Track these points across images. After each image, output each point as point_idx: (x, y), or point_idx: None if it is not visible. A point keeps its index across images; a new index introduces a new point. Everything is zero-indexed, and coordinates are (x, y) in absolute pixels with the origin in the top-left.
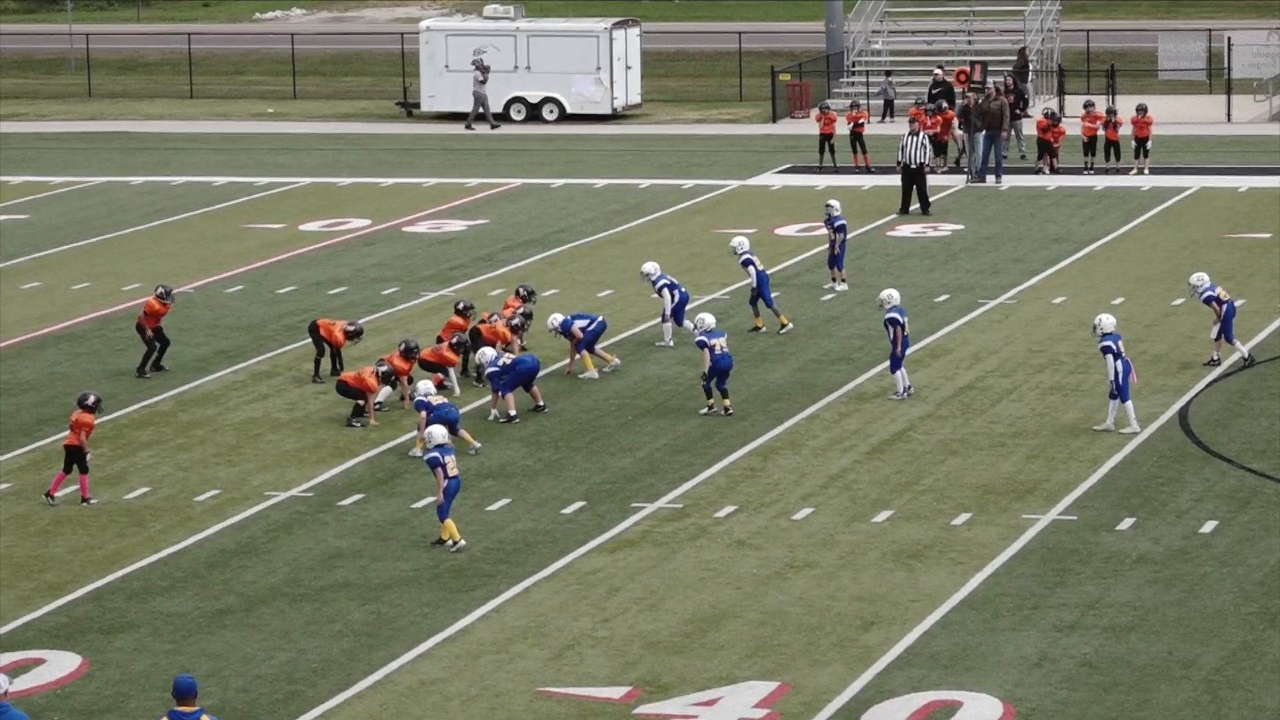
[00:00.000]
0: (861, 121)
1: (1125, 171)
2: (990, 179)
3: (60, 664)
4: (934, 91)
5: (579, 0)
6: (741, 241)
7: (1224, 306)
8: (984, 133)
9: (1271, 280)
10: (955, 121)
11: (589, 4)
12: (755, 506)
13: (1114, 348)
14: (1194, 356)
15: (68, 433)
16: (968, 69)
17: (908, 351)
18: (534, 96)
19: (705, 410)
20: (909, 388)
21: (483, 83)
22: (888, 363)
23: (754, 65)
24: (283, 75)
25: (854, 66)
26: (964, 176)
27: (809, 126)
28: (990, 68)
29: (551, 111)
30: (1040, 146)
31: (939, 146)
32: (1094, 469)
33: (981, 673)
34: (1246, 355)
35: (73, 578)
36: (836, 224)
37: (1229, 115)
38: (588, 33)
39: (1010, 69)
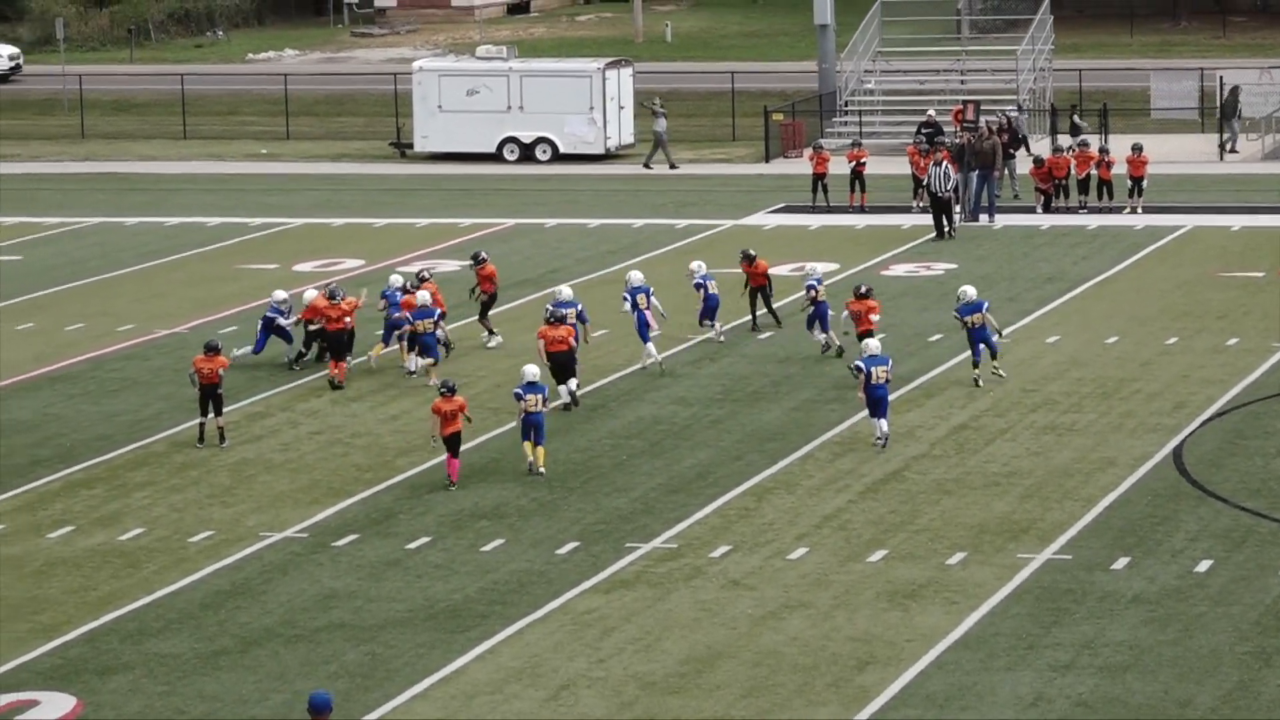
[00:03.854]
0: (863, 160)
1: (1119, 210)
2: (984, 218)
3: (54, 705)
4: (925, 131)
5: (571, 40)
6: (700, 265)
7: (709, 297)
8: (977, 172)
9: (1265, 319)
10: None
11: (581, 44)
12: (750, 546)
13: (705, 284)
14: (1188, 396)
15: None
16: (962, 108)
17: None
18: (527, 137)
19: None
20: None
21: (662, 115)
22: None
23: (747, 105)
24: (276, 116)
25: (847, 106)
26: (958, 216)
27: (802, 166)
28: (1017, 107)
29: (545, 152)
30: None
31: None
32: (1088, 508)
33: (977, 713)
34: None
35: (67, 619)
36: (696, 283)
37: (1222, 154)
38: (581, 73)
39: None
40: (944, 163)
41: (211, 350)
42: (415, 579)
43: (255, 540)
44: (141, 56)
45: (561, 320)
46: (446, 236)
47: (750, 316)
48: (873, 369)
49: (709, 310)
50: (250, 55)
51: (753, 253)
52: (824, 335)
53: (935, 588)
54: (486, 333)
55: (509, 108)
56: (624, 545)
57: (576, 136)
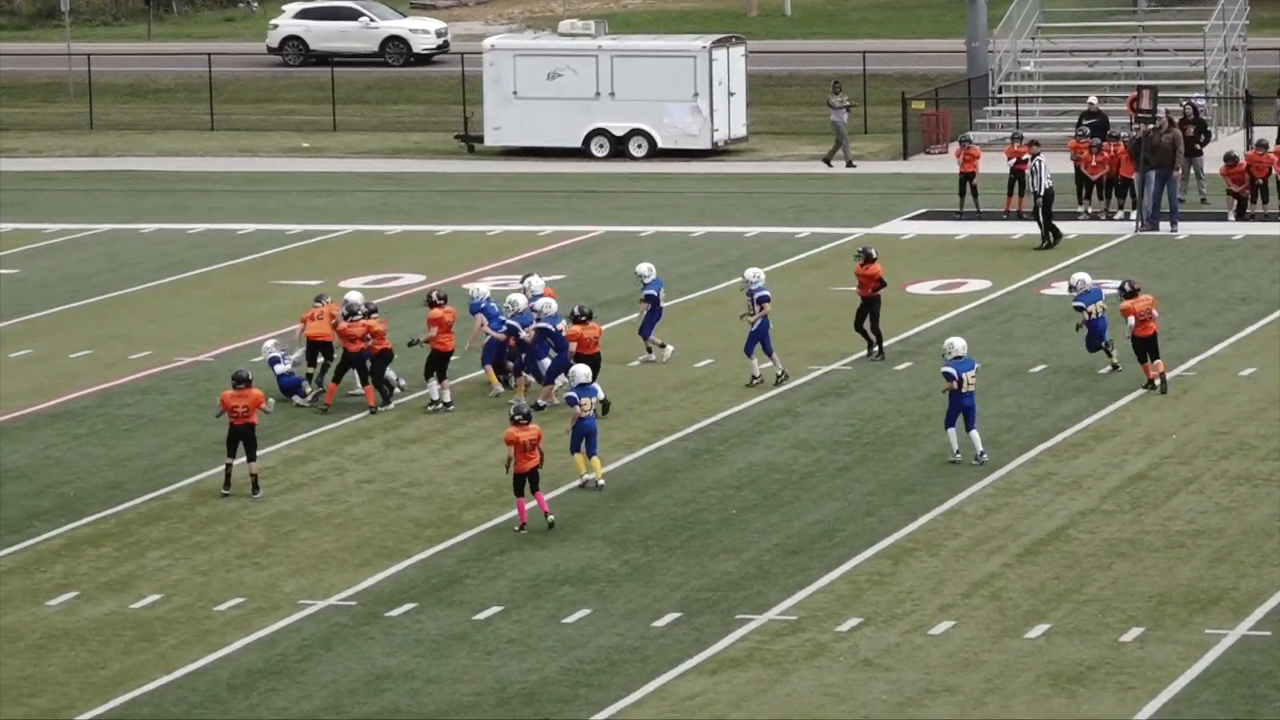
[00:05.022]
0: (1026, 157)
1: None
2: (1164, 226)
3: None
4: (1087, 122)
5: (672, 14)
6: (756, 273)
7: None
8: (1155, 171)
9: None
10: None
11: (684, 18)
12: (884, 619)
13: (953, 374)
14: None
15: (512, 458)
16: (1137, 95)
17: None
18: (619, 129)
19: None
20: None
21: (845, 107)
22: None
23: (881, 91)
24: (320, 103)
25: (1000, 92)
26: (1133, 224)
27: (947, 164)
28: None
29: (640, 146)
30: None
31: (1110, 187)
32: None
33: None
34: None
35: (70, 703)
36: (646, 293)
37: None
38: (683, 53)
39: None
40: (1037, 157)
41: (242, 382)
42: (484, 656)
43: (293, 609)
44: (161, 33)
45: (590, 317)
46: (523, 247)
47: (875, 343)
48: (964, 374)
49: (650, 325)
50: None
51: (873, 252)
52: (769, 361)
53: (1107, 669)
54: None
55: (597, 94)
56: (734, 617)
57: (678, 128)
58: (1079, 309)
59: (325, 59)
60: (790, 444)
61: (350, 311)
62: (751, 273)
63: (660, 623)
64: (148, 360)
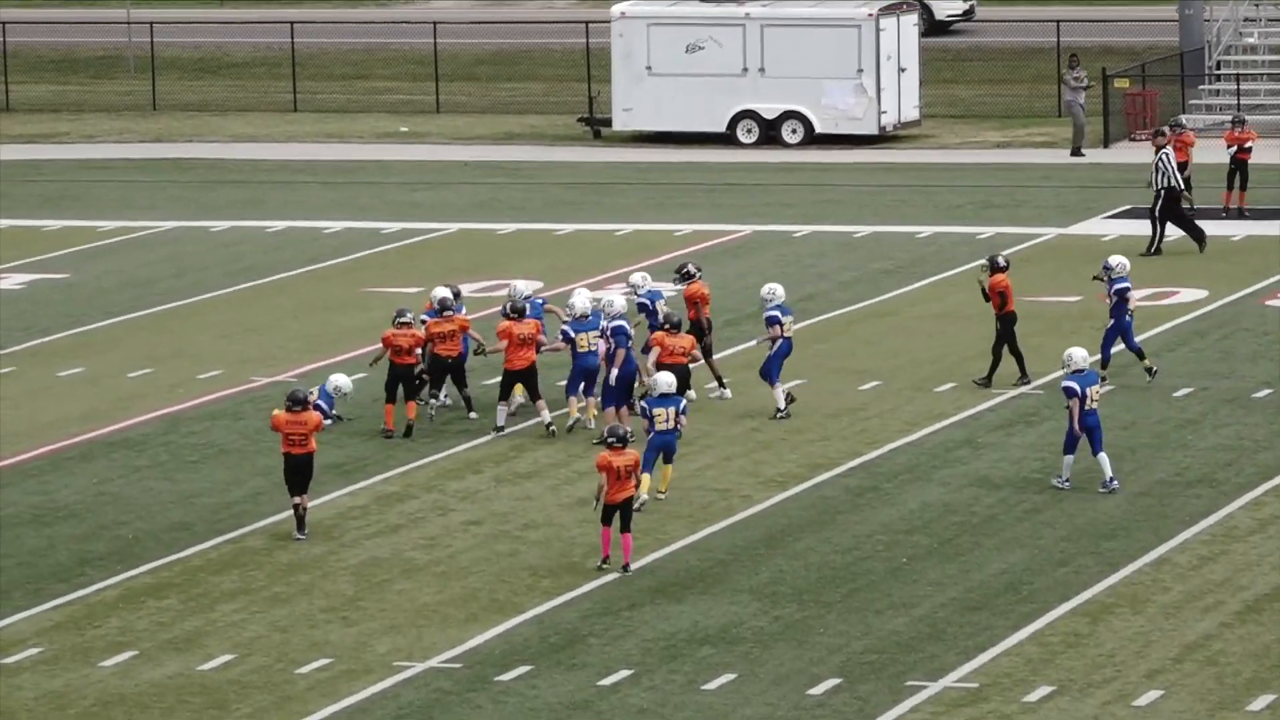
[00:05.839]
0: (1248, 145)
1: None
2: None
3: None
4: None
5: None
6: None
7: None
8: None
9: None
10: None
11: None
12: (1081, 687)
13: (1076, 389)
14: None
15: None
16: None
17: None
18: (770, 111)
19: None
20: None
21: (1082, 87)
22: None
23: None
24: (422, 80)
25: (1219, 68)
26: None
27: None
28: None
29: (795, 131)
30: None
31: None
32: None
33: None
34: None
35: None
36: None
37: None
38: (845, 21)
39: None
40: (1163, 150)
41: (299, 404)
42: None
43: (388, 673)
44: None
45: (678, 327)
46: (656, 249)
47: (1017, 366)
48: (1088, 389)
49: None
50: None
51: (1003, 261)
52: (778, 389)
53: None
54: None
55: (745, 70)
56: (903, 684)
57: (838, 110)
58: (1110, 288)
59: None
60: (970, 481)
61: (399, 315)
62: (768, 289)
63: (817, 690)
64: (218, 380)
